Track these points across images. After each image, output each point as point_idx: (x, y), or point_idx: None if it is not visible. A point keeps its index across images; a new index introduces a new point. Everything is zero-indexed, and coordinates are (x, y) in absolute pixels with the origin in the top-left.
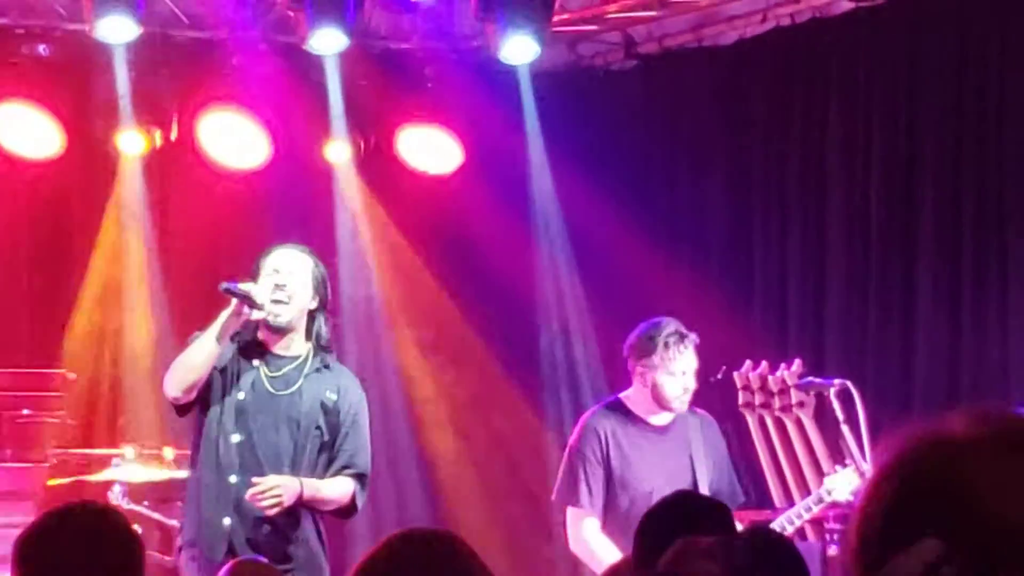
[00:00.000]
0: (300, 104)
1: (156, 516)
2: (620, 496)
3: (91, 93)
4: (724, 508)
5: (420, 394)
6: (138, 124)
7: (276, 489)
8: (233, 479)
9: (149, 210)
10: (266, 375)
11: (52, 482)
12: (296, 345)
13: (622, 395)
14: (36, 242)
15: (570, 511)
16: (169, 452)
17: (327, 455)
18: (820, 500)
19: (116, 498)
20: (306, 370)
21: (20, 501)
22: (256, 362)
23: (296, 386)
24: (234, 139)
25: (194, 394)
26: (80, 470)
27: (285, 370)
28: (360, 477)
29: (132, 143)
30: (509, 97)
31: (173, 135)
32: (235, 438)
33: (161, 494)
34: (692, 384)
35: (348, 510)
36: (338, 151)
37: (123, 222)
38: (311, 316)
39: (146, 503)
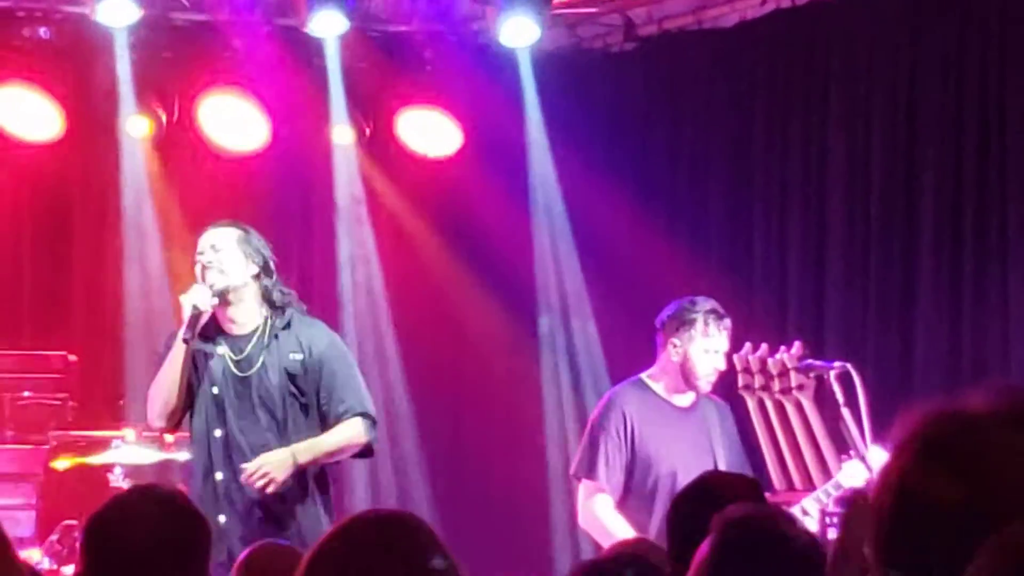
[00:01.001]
0: (300, 87)
1: None
2: (644, 476)
3: (92, 76)
4: (754, 483)
5: (420, 376)
6: (139, 107)
7: (264, 468)
8: (219, 476)
9: (150, 192)
10: (231, 360)
11: (53, 464)
12: (250, 317)
13: (644, 375)
14: (37, 224)
15: (584, 484)
16: (169, 435)
17: (316, 413)
18: (838, 486)
19: (117, 480)
20: (265, 340)
21: (21, 483)
22: (220, 349)
23: (259, 363)
24: (234, 122)
25: (176, 417)
26: (81, 452)
27: (247, 349)
28: (362, 415)
29: (133, 126)
30: (509, 79)
31: (174, 118)
32: (217, 433)
33: (162, 476)
34: (723, 365)
35: (364, 450)
36: (338, 134)
37: (125, 204)
38: (257, 283)
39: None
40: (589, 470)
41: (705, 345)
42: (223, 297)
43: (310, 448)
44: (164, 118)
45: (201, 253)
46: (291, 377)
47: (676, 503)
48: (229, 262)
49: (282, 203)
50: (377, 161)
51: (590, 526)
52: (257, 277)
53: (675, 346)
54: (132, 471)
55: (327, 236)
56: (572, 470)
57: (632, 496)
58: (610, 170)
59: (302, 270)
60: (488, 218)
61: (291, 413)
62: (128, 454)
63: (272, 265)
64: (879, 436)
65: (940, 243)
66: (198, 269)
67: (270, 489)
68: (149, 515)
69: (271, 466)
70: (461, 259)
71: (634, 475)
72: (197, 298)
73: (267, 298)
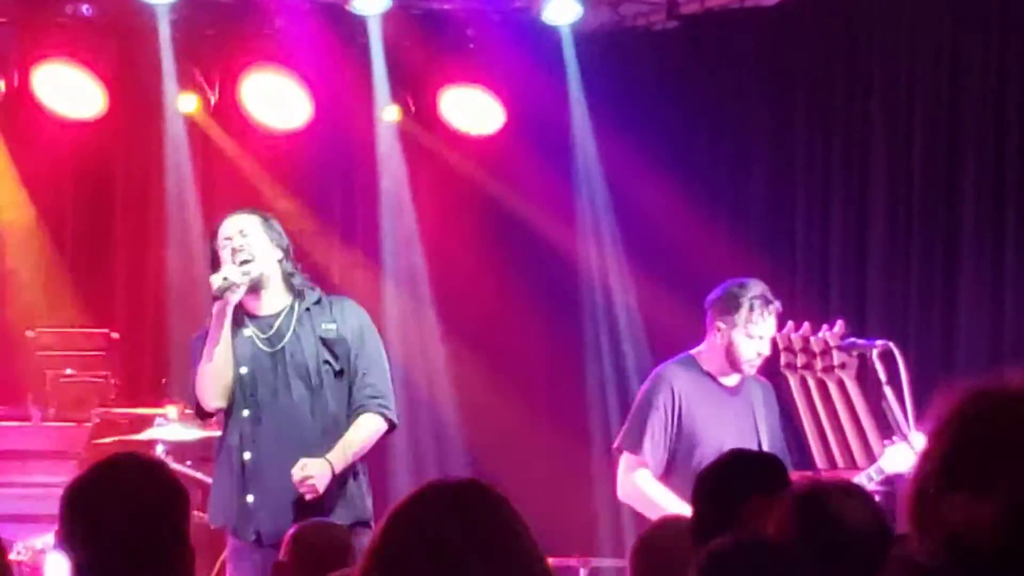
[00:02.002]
0: (343, 65)
1: (198, 475)
2: (691, 454)
3: (134, 54)
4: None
5: (462, 355)
6: (181, 85)
7: (308, 474)
8: (247, 456)
9: (192, 170)
10: (258, 338)
11: (95, 442)
12: (278, 300)
13: (694, 352)
14: (79, 202)
15: (626, 457)
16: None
17: (346, 381)
18: (881, 471)
19: (159, 457)
20: (296, 314)
21: (64, 461)
22: (247, 331)
23: (291, 332)
24: (277, 100)
25: (229, 394)
26: (123, 430)
27: (275, 325)
28: (381, 406)
29: (175, 104)
30: (551, 58)
31: (216, 96)
32: (244, 413)
33: (203, 453)
34: (767, 350)
35: (385, 434)
36: (381, 112)
37: (167, 182)
38: (281, 267)
39: (188, 463)
40: (634, 444)
41: (749, 331)
42: (256, 283)
43: (343, 452)
44: (207, 96)
45: (229, 238)
46: (326, 344)
47: (700, 479)
48: (259, 247)
49: (325, 181)
50: (420, 139)
51: (631, 498)
52: (281, 262)
53: (719, 329)
54: (174, 448)
55: (370, 214)
56: (616, 443)
57: (675, 474)
58: (652, 148)
59: (345, 250)
60: (531, 196)
61: (325, 380)
62: (170, 432)
63: (289, 249)
64: (921, 416)
65: (982, 223)
66: (226, 254)
67: (309, 497)
68: (127, 482)
69: (315, 476)
70: (504, 238)
71: (678, 453)
72: (228, 272)
73: (288, 282)
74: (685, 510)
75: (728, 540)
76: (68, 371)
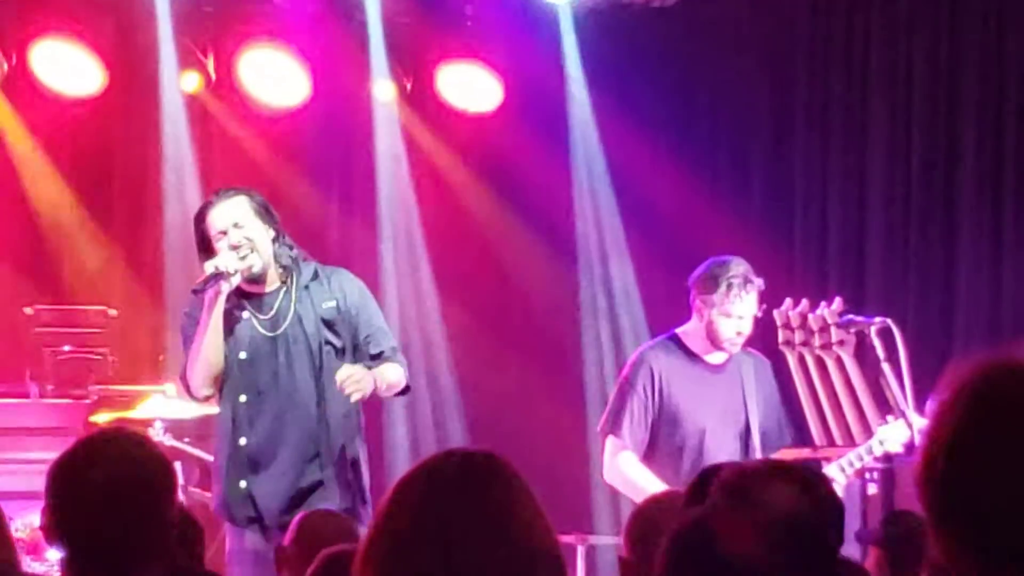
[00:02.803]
0: (341, 42)
1: (197, 452)
2: (673, 433)
3: (132, 30)
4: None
5: (459, 330)
6: (179, 62)
7: (356, 377)
8: (243, 440)
9: (191, 147)
10: (258, 321)
11: (93, 418)
12: (274, 280)
13: (679, 330)
14: (78, 179)
15: (610, 440)
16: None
17: (348, 358)
18: (871, 450)
19: (157, 434)
20: (293, 294)
21: (62, 437)
22: (246, 313)
23: (291, 315)
24: (275, 77)
25: (220, 382)
26: (122, 407)
27: (275, 306)
28: (402, 362)
29: (173, 81)
30: (550, 34)
31: (214, 73)
32: (242, 398)
33: (202, 431)
34: (748, 329)
35: (404, 390)
36: (378, 89)
37: (165, 159)
38: (274, 246)
39: (187, 440)
40: (614, 426)
41: (727, 310)
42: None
43: (381, 374)
44: (205, 73)
45: (223, 232)
46: (327, 324)
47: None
48: (257, 238)
49: (322, 158)
50: (417, 116)
51: (615, 481)
52: (275, 241)
53: (700, 308)
54: (172, 426)
55: (367, 191)
56: (599, 426)
57: (659, 453)
58: (651, 125)
59: (342, 225)
60: (529, 173)
61: (327, 360)
62: (168, 408)
63: (278, 224)
64: (919, 393)
65: (981, 200)
66: (222, 245)
67: (355, 398)
68: (112, 457)
69: (362, 377)
70: (502, 215)
71: (660, 433)
72: (223, 260)
73: (279, 260)
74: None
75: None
76: (66, 348)
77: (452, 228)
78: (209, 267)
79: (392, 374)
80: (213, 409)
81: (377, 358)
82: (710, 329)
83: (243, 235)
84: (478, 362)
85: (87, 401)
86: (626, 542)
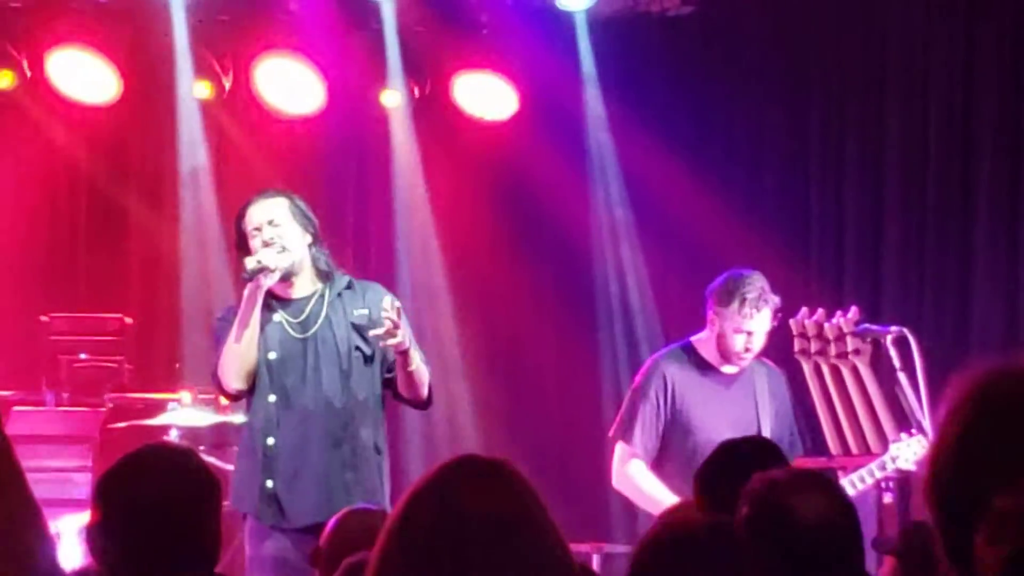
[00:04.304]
0: (356, 50)
1: (212, 460)
2: (684, 442)
3: (148, 39)
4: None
5: (475, 340)
6: (195, 70)
7: (399, 333)
8: (271, 441)
9: (207, 155)
10: (289, 323)
11: (109, 426)
12: (309, 285)
13: (694, 338)
14: (94, 187)
15: (620, 447)
16: (237, 399)
17: (377, 368)
18: (883, 467)
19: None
20: (327, 299)
21: (77, 445)
22: (277, 316)
23: (322, 319)
24: (291, 85)
25: (252, 379)
26: (137, 415)
27: (306, 310)
28: (428, 372)
29: (189, 89)
30: (566, 43)
31: (230, 81)
32: (271, 399)
33: (217, 439)
34: (758, 346)
35: (426, 400)
36: (394, 97)
37: (181, 167)
38: (311, 251)
39: (202, 448)
40: (625, 433)
41: (739, 325)
42: (288, 271)
43: (416, 353)
44: (221, 81)
45: (258, 228)
46: (358, 330)
47: (700, 472)
48: (290, 237)
49: (338, 167)
50: (433, 125)
51: (624, 488)
52: (311, 246)
53: (712, 320)
54: (188, 433)
55: (383, 200)
56: (610, 432)
57: (670, 462)
58: (666, 133)
59: (358, 233)
60: (544, 182)
61: (355, 365)
62: (184, 417)
63: (317, 229)
64: (935, 402)
65: (997, 208)
66: (256, 243)
67: (390, 342)
68: (160, 471)
69: (401, 328)
70: (517, 223)
71: (672, 441)
72: (263, 256)
73: (318, 266)
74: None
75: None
76: (82, 356)
77: (468, 237)
78: (251, 262)
79: (424, 372)
80: (228, 417)
81: None
82: (720, 341)
83: (276, 232)
84: (493, 370)
85: (103, 409)
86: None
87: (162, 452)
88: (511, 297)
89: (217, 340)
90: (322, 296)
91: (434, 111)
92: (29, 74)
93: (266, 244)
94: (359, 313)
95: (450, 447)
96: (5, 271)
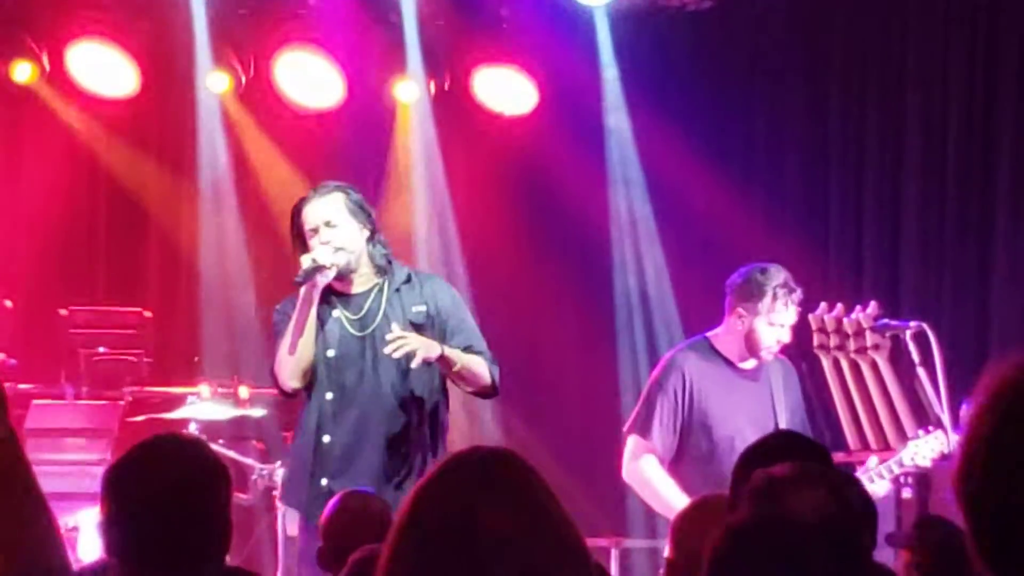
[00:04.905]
0: (376, 44)
1: (231, 454)
2: (701, 438)
3: (168, 32)
4: (825, 451)
5: (495, 335)
6: (214, 63)
7: (407, 339)
8: (327, 439)
9: (226, 148)
10: (348, 320)
11: (128, 420)
12: (366, 279)
13: (710, 334)
14: (113, 180)
15: (634, 440)
16: (244, 391)
17: (434, 366)
18: (902, 464)
19: None
20: (385, 295)
21: (96, 438)
22: (336, 312)
23: (380, 317)
24: (310, 79)
25: (309, 376)
26: (156, 408)
27: (365, 306)
28: (493, 362)
29: (209, 82)
30: (585, 38)
31: (250, 74)
32: (328, 396)
33: (236, 432)
34: (787, 338)
35: (490, 389)
36: (413, 91)
37: (200, 161)
38: (368, 246)
39: (221, 441)
40: (643, 428)
41: (771, 319)
42: (345, 270)
43: (461, 356)
44: (240, 75)
45: (315, 230)
46: (416, 327)
47: (744, 460)
48: (347, 236)
49: (357, 161)
50: (452, 118)
51: (635, 482)
52: (369, 242)
53: (741, 315)
54: (206, 427)
55: (402, 193)
56: (626, 426)
57: (687, 457)
58: (685, 127)
59: (377, 226)
60: (564, 176)
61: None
62: (203, 410)
63: (374, 224)
64: (954, 397)
65: (1017, 204)
66: (314, 243)
67: (398, 353)
68: (169, 461)
69: (415, 339)
70: (536, 216)
71: (690, 437)
72: (319, 254)
73: (376, 261)
74: (684, 501)
75: (747, 517)
76: (101, 349)
77: (487, 230)
78: (306, 260)
79: (476, 363)
80: (247, 411)
81: (465, 351)
82: (750, 337)
83: (333, 234)
84: (512, 363)
85: (121, 402)
86: (671, 543)
87: (169, 442)
88: (530, 290)
89: (276, 334)
90: (380, 292)
91: (454, 105)
92: (49, 68)
93: (324, 245)
94: (417, 311)
95: (468, 439)
96: (25, 264)
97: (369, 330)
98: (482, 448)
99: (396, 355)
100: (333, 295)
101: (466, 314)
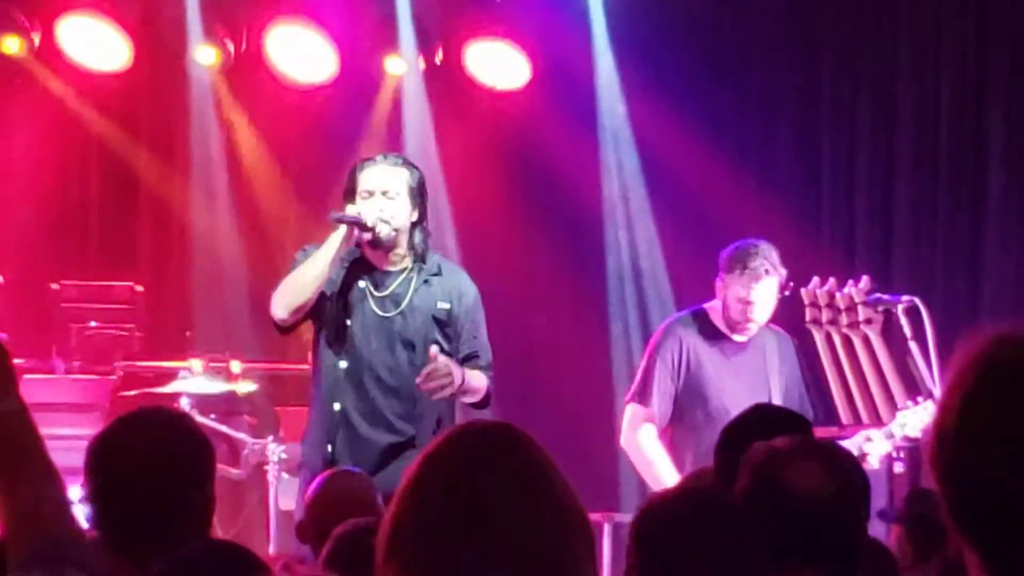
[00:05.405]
0: (368, 18)
1: (223, 429)
2: (696, 409)
3: (159, 6)
4: (803, 420)
5: (486, 307)
6: (206, 37)
7: (447, 378)
8: (336, 406)
9: (218, 123)
10: (373, 295)
11: (120, 394)
12: (400, 259)
13: (707, 305)
14: (104, 154)
15: (632, 407)
16: (236, 365)
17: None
18: (891, 435)
19: (183, 410)
20: (414, 284)
21: (88, 413)
22: (363, 283)
23: (404, 304)
24: (302, 53)
25: (300, 316)
26: (148, 383)
27: (392, 287)
28: (490, 378)
29: (201, 56)
30: (578, 12)
31: (242, 48)
32: (342, 364)
33: (228, 407)
34: (760, 316)
35: (483, 402)
36: (405, 66)
37: (192, 135)
38: (412, 228)
39: (213, 416)
40: (642, 396)
41: (740, 294)
42: (382, 241)
43: (464, 376)
44: (232, 49)
45: (370, 192)
46: (437, 323)
47: (726, 432)
48: (398, 213)
49: (349, 135)
50: (445, 93)
51: (631, 450)
52: (414, 224)
53: (719, 287)
54: (199, 402)
55: None
56: (627, 397)
57: (680, 427)
58: (678, 100)
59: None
60: (556, 150)
61: (428, 355)
62: (194, 385)
63: (426, 210)
64: (946, 372)
65: (1009, 178)
66: (368, 203)
67: (437, 396)
68: (152, 434)
69: (453, 376)
70: (529, 191)
71: (685, 405)
72: (365, 209)
73: (413, 243)
74: (676, 477)
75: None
76: (92, 324)
77: (480, 205)
78: (352, 209)
79: (477, 380)
80: (238, 385)
81: (468, 360)
82: (724, 309)
83: (387, 204)
84: (503, 337)
85: (113, 377)
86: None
87: (150, 415)
88: (523, 264)
89: (292, 266)
90: (410, 277)
91: (446, 79)
92: (39, 41)
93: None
94: (441, 307)
95: (462, 412)
96: (16, 239)
97: (392, 314)
98: (484, 420)
99: (426, 388)
100: (365, 266)
101: (482, 320)
